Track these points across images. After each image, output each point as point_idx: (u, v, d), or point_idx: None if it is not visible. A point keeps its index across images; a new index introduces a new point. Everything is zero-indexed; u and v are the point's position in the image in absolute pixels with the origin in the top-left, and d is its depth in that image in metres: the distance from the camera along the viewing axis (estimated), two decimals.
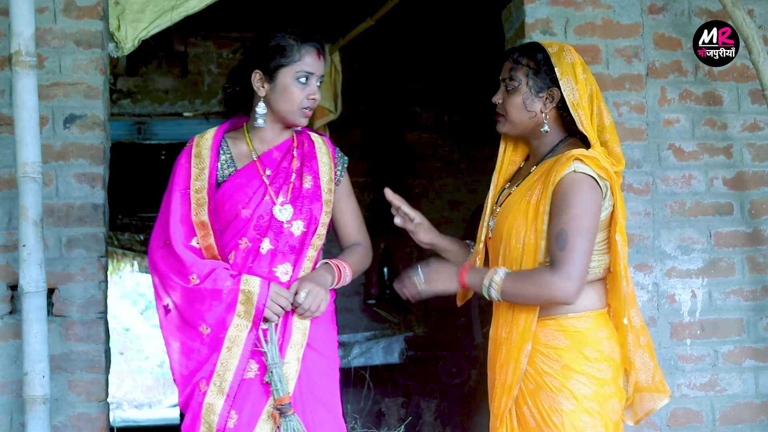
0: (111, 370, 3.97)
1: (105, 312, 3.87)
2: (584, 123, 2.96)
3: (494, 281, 2.90)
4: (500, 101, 3.08)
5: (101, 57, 3.92)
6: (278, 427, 2.94)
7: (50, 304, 3.75)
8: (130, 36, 4.11)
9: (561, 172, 2.88)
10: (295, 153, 3.13)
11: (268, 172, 3.07)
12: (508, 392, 2.95)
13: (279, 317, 2.99)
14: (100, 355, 3.83)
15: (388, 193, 3.12)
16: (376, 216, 7.75)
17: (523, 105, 3.02)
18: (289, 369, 2.98)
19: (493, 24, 4.75)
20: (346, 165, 3.25)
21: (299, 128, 3.19)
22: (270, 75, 3.04)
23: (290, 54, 3.02)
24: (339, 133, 7.30)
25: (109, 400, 3.89)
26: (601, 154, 2.94)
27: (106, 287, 3.90)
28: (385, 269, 7.64)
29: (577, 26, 4.21)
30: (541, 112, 3.02)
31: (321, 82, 3.09)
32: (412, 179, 7.91)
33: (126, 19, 4.09)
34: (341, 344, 6.54)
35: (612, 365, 2.95)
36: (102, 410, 3.83)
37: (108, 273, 3.97)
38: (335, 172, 3.19)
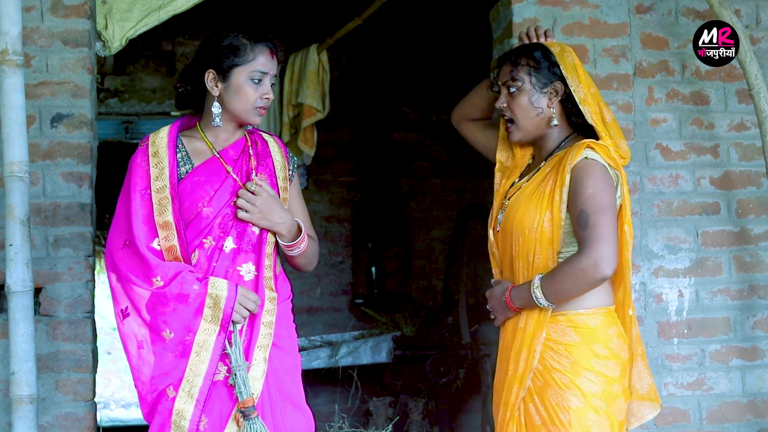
0: (98, 369, 3.96)
1: (92, 311, 3.86)
2: (593, 117, 2.99)
3: (536, 294, 2.89)
4: (504, 105, 3.10)
5: (88, 56, 3.91)
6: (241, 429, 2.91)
7: (37, 304, 3.75)
8: (118, 35, 4.10)
9: (575, 159, 2.91)
10: (251, 152, 3.12)
11: (229, 169, 3.06)
12: (520, 381, 2.95)
13: (245, 320, 2.97)
14: (87, 354, 3.82)
15: None
16: (364, 215, 7.78)
17: (529, 103, 3.04)
18: (256, 369, 2.96)
19: (481, 24, 4.75)
20: (296, 165, 3.25)
21: (250, 128, 3.19)
22: (224, 75, 3.02)
23: (244, 54, 3.01)
24: (327, 133, 7.29)
25: (96, 399, 3.89)
26: (611, 145, 2.97)
27: (94, 287, 3.89)
28: (373, 269, 7.62)
29: (565, 26, 4.22)
30: (548, 107, 3.04)
31: (273, 82, 3.08)
32: (400, 179, 7.89)
33: (113, 18, 4.08)
34: (329, 344, 6.53)
35: (620, 364, 2.95)
36: (89, 410, 3.83)
37: (95, 272, 3.96)
38: (288, 170, 3.19)
